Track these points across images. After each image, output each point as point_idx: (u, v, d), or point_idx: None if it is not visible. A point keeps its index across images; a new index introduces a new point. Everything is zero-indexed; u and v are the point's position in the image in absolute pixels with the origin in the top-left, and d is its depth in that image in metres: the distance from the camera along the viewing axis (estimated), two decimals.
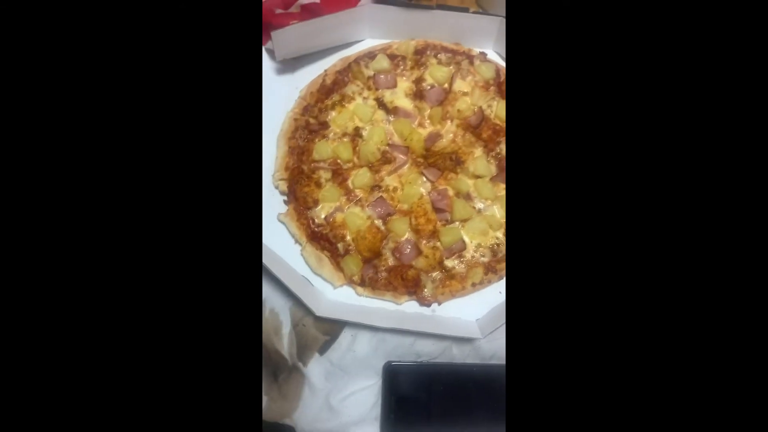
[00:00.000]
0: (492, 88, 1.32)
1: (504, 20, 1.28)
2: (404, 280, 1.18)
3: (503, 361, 1.17)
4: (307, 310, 1.13)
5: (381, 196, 1.25)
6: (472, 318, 1.21)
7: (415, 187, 1.25)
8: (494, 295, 1.23)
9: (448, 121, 1.30)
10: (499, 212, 1.24)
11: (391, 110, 1.30)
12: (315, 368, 1.17)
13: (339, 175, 1.27)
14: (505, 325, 1.10)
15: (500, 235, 1.23)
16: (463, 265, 1.21)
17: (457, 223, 1.23)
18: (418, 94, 1.31)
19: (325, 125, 1.29)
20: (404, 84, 1.32)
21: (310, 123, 1.30)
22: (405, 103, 1.31)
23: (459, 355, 1.18)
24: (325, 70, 1.34)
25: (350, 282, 1.22)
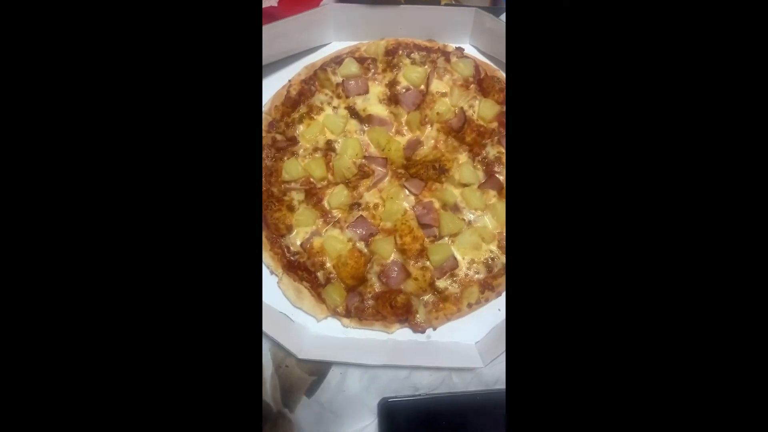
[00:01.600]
0: (472, 86, 1.22)
1: (478, 10, 1.17)
2: (393, 308, 1.08)
3: None
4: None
5: (361, 215, 1.14)
6: (471, 341, 1.11)
7: (397, 202, 1.15)
8: (493, 313, 1.13)
9: (428, 126, 1.20)
10: (490, 223, 1.14)
11: (365, 119, 1.19)
12: (303, 413, 1.07)
13: (313, 195, 1.16)
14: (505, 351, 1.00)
15: (494, 248, 1.13)
16: (456, 285, 1.11)
17: (447, 238, 1.13)
18: (393, 99, 1.20)
19: (293, 141, 1.18)
20: (377, 89, 1.22)
21: (276, 140, 1.18)
22: (379, 109, 1.21)
23: (460, 384, 1.09)
24: (289, 80, 1.23)
25: (334, 314, 1.11)
